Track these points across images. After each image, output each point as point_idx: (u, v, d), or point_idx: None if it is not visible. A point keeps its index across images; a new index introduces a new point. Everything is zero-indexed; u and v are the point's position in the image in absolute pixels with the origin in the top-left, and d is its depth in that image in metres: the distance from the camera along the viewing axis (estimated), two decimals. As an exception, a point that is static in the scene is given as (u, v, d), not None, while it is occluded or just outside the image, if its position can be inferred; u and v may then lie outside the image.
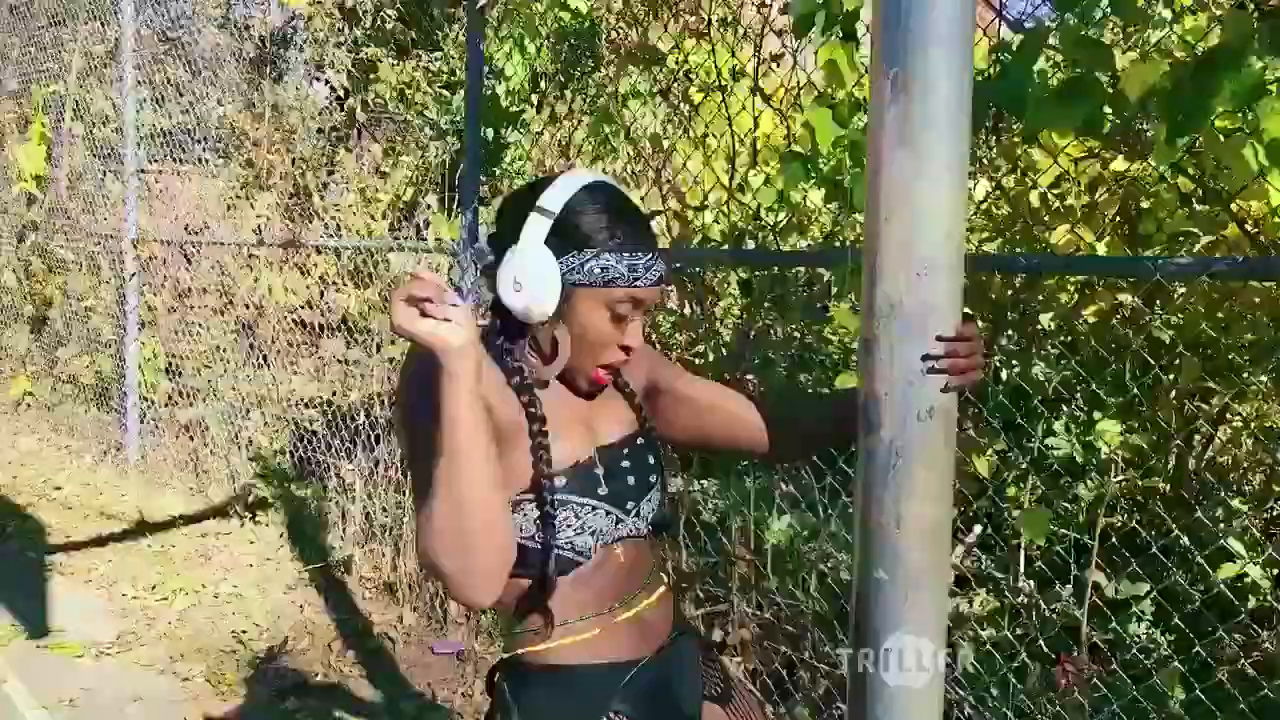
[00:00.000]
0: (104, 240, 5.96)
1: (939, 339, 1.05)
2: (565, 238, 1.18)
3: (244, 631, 3.52)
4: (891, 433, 1.08)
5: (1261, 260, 2.02)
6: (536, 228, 1.18)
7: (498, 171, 7.95)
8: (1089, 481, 3.12)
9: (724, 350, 2.93)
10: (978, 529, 3.44)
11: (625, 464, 1.29)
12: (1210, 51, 1.54)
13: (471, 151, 3.35)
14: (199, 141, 6.14)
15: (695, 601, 2.88)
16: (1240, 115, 1.63)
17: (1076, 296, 3.40)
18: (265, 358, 5.26)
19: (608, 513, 1.24)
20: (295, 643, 3.43)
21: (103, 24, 6.15)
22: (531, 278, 1.17)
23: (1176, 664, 2.37)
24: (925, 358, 1.05)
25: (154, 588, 3.91)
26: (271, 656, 3.31)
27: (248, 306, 5.51)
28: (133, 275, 5.45)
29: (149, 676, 3.19)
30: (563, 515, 1.19)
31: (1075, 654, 2.42)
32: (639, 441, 1.33)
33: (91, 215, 6.33)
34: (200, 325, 5.64)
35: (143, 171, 5.73)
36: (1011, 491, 3.07)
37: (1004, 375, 3.91)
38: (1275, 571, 2.74)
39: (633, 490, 1.28)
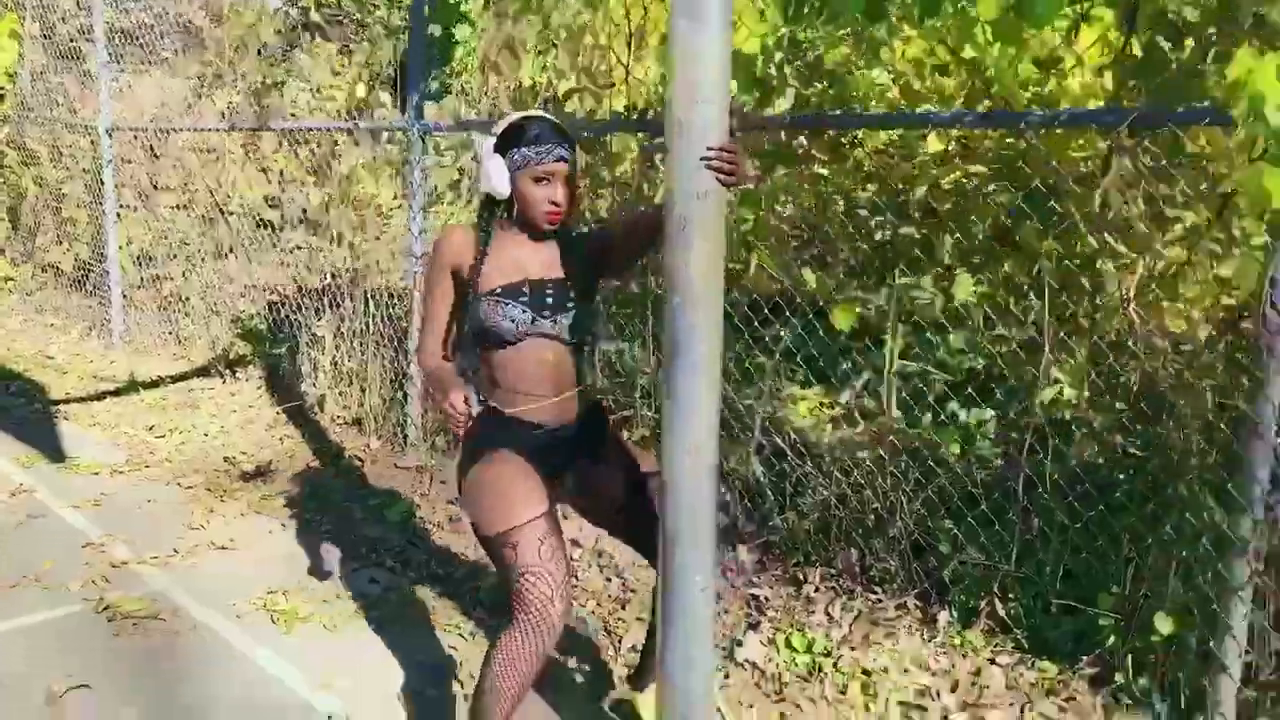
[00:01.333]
0: (77, 132, 6.36)
1: (709, 147, 1.67)
2: (503, 144, 2.01)
3: (233, 457, 4.15)
4: (681, 209, 1.70)
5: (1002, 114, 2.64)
6: (488, 143, 2.04)
7: (449, 69, 8.36)
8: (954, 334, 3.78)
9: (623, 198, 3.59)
10: (866, 375, 4.12)
11: (549, 290, 2.04)
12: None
13: (416, 37, 3.86)
14: (160, 37, 6.50)
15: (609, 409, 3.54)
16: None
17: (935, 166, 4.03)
18: (231, 249, 5.76)
19: (524, 310, 2.00)
20: (279, 464, 4.06)
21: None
22: (490, 173, 2.01)
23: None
24: (701, 158, 1.67)
25: (151, 428, 4.51)
26: (260, 472, 3.95)
27: (215, 202, 5.97)
28: (109, 162, 5.89)
29: (158, 487, 3.82)
30: (498, 306, 1.99)
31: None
32: (561, 279, 2.06)
33: (59, 109, 6.70)
34: (168, 218, 6.11)
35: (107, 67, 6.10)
36: (888, 341, 3.69)
37: (878, 235, 4.57)
38: (1086, 392, 3.44)
39: (550, 304, 2.03)
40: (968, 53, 2.58)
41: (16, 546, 3.21)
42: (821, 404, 4.56)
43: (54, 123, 6.77)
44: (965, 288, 3.89)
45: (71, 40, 7.27)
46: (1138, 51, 2.26)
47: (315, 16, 8.35)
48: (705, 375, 1.69)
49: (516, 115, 2.05)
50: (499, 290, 1.99)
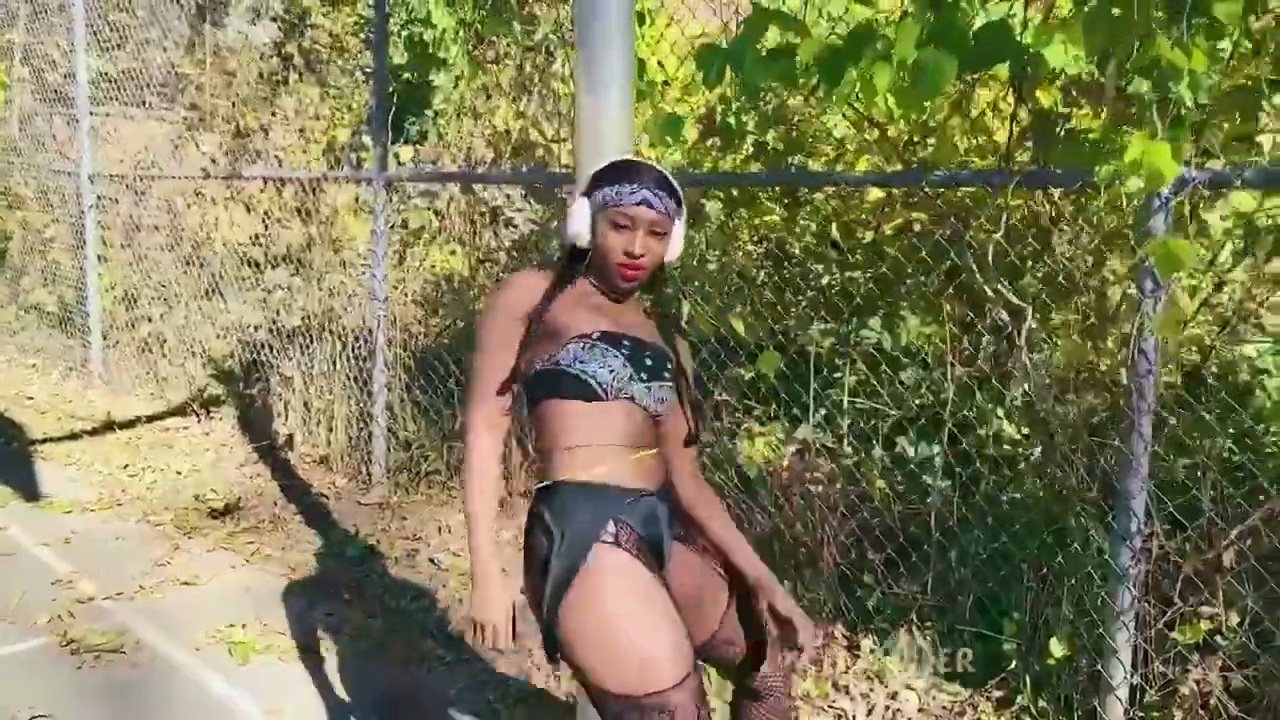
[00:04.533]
0: (61, 176, 6.55)
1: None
2: (592, 185, 1.71)
3: (203, 495, 4.29)
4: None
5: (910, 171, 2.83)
6: (581, 185, 1.78)
7: (430, 113, 8.58)
8: (907, 372, 3.95)
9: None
10: (821, 413, 4.28)
11: (648, 353, 1.69)
12: (846, 36, 2.33)
13: (379, 93, 4.06)
14: (144, 86, 6.70)
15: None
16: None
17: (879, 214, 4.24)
18: (217, 289, 5.93)
19: (624, 364, 1.64)
20: (247, 502, 4.21)
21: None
22: (571, 214, 1.73)
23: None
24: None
25: (125, 467, 4.65)
26: (228, 509, 4.09)
27: (195, 245, 6.14)
28: (90, 207, 6.07)
29: (128, 524, 3.96)
30: (595, 351, 1.64)
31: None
32: (661, 347, 1.74)
33: (45, 155, 6.89)
34: (151, 260, 6.28)
35: (92, 113, 6.31)
36: (841, 378, 3.86)
37: (825, 280, 4.77)
38: (1023, 429, 3.61)
39: (648, 368, 1.68)
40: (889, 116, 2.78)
41: (-12, 583, 3.35)
42: (779, 440, 4.73)
43: (39, 168, 6.96)
44: (912, 329, 4.09)
45: (57, 87, 7.48)
46: (1024, 116, 2.46)
47: (298, 61, 8.59)
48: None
49: (620, 158, 1.76)
50: (597, 335, 1.65)
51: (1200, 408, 2.28)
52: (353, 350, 4.51)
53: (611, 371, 1.63)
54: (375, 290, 4.17)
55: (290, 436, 4.72)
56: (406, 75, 8.24)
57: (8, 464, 4.67)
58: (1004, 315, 2.51)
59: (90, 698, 2.64)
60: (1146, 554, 2.25)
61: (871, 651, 2.81)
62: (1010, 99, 2.48)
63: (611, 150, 1.88)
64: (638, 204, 1.66)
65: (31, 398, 5.98)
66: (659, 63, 3.88)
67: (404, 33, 8.43)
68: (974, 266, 2.46)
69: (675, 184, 1.71)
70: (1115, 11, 2.04)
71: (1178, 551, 2.20)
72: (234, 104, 7.22)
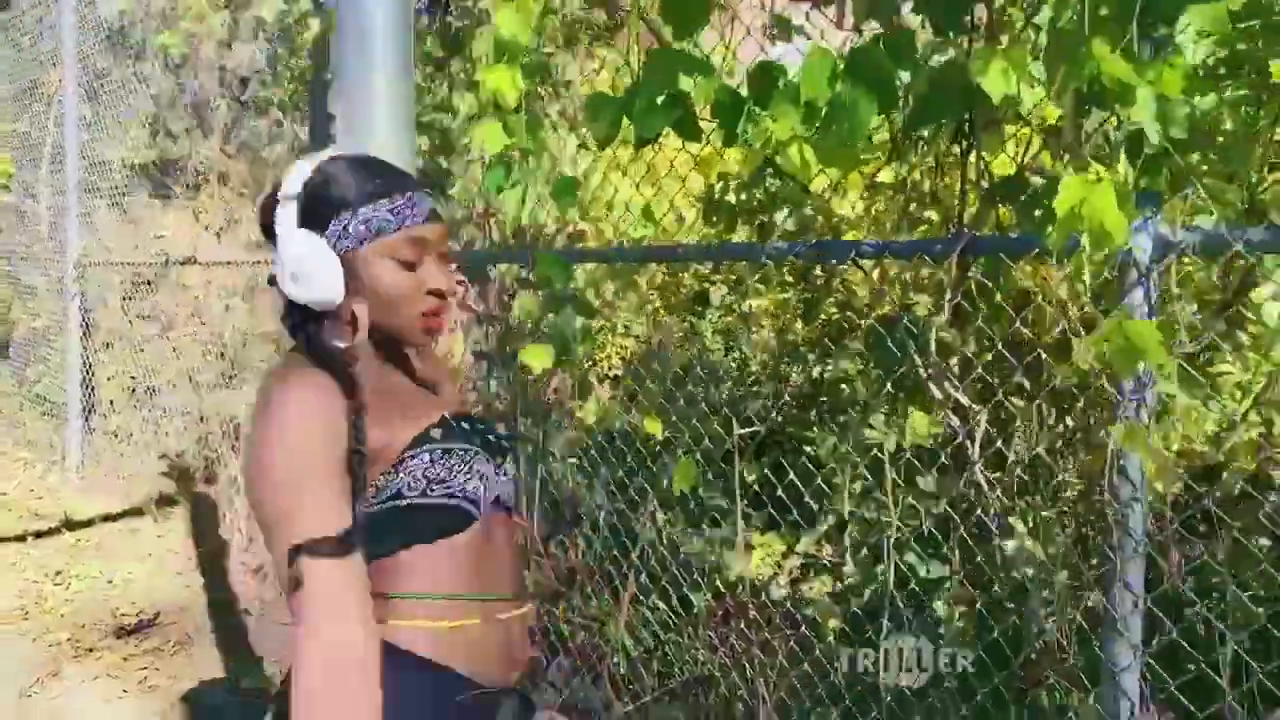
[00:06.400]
0: (53, 264, 6.43)
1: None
2: (317, 213, 1.15)
3: (123, 609, 3.88)
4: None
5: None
6: (286, 215, 1.17)
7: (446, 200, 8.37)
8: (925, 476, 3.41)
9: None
10: (828, 521, 3.74)
11: (480, 424, 1.26)
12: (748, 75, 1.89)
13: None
14: (162, 175, 6.60)
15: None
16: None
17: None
18: (229, 377, 5.65)
19: (487, 459, 1.20)
20: (166, 617, 3.79)
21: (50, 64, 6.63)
22: (301, 265, 1.13)
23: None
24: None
25: (58, 573, 4.29)
26: (141, 625, 3.68)
27: (215, 334, 5.89)
28: (74, 296, 5.89)
29: (22, 642, 3.56)
30: (449, 460, 1.15)
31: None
32: (479, 420, 1.28)
33: (49, 243, 6.81)
34: (159, 350, 6.06)
35: (101, 198, 6.19)
36: (838, 482, 3.35)
37: (815, 371, 4.25)
38: (1048, 548, 3.02)
39: (496, 448, 1.24)
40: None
41: None
42: (782, 553, 4.18)
43: (38, 258, 6.88)
44: (921, 425, 3.54)
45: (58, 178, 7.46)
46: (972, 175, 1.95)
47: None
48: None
49: (310, 158, 1.20)
50: (436, 434, 1.16)
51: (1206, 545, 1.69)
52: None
53: (482, 479, 1.17)
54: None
55: (228, 543, 4.32)
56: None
57: (-58, 567, 4.36)
58: (953, 419, 1.97)
59: None
60: (1144, 751, 1.64)
61: None
62: (957, 149, 1.98)
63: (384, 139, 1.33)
64: (425, 219, 1.17)
65: (5, 494, 5.73)
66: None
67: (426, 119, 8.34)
68: (915, 358, 1.94)
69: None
70: (1061, 24, 1.56)
71: (1186, 750, 1.59)
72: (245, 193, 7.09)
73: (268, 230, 1.22)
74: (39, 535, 4.83)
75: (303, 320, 1.19)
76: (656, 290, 4.76)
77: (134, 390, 5.75)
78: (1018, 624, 1.99)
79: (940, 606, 3.14)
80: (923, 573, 3.29)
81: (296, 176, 1.18)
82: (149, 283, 6.48)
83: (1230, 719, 1.58)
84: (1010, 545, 2.32)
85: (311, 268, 1.13)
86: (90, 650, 3.47)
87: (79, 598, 4.02)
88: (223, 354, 5.66)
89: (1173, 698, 1.62)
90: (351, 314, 1.16)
